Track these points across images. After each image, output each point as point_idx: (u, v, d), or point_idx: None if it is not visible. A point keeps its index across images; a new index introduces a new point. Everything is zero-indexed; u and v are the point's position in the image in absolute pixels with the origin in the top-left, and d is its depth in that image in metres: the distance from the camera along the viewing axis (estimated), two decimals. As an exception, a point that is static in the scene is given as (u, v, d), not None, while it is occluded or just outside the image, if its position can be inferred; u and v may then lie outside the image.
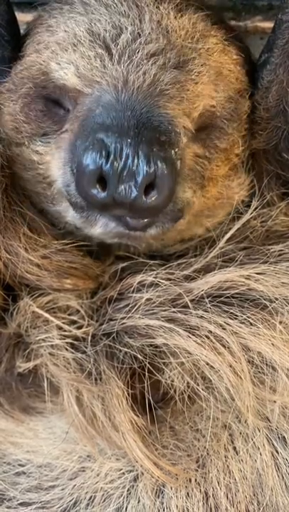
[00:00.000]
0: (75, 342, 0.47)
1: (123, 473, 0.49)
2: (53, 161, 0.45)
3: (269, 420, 0.49)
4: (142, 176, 0.37)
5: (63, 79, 0.41)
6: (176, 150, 0.40)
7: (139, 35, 0.39)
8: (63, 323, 0.48)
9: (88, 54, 0.39)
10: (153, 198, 0.39)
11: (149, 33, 0.39)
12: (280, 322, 0.47)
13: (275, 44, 0.49)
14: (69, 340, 0.47)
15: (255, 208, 0.49)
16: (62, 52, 0.41)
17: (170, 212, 0.44)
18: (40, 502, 0.49)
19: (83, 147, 0.38)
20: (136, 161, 0.37)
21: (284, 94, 0.49)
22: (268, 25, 0.63)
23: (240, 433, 0.50)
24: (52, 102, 0.44)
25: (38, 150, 0.45)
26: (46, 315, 0.48)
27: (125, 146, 0.36)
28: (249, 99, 0.50)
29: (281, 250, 0.48)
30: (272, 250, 0.48)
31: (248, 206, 0.52)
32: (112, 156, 0.37)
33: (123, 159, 0.37)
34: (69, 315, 0.49)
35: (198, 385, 0.48)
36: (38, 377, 0.49)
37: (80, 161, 0.38)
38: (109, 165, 0.37)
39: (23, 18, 0.55)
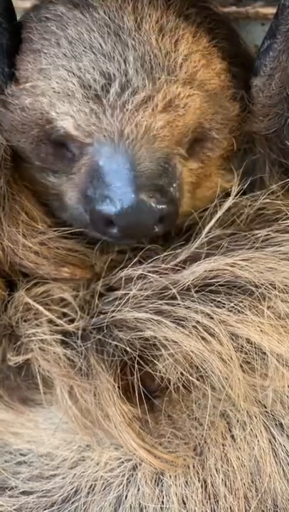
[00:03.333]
0: (65, 338, 0.48)
1: (122, 462, 0.50)
2: (67, 194, 0.48)
3: (265, 406, 0.49)
4: (149, 221, 0.42)
5: (65, 129, 0.44)
6: (176, 183, 0.44)
7: (127, 86, 0.41)
8: (55, 316, 0.49)
9: (83, 109, 0.42)
10: (160, 228, 0.44)
11: (135, 79, 0.41)
12: (268, 307, 0.46)
13: (278, 30, 0.48)
14: (59, 335, 0.48)
15: (238, 193, 0.49)
16: (59, 103, 0.43)
17: None
18: (42, 491, 0.50)
19: (93, 199, 0.43)
20: (141, 209, 0.42)
21: (287, 81, 0.48)
22: (270, 10, 0.63)
23: (238, 421, 0.50)
24: (60, 145, 0.46)
25: (52, 181, 0.49)
26: (38, 306, 0.49)
27: (129, 199, 0.41)
28: (239, 101, 0.50)
29: (267, 235, 0.48)
30: (258, 235, 0.48)
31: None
32: (118, 208, 0.41)
33: (129, 209, 0.41)
34: (61, 307, 0.50)
35: (191, 374, 0.48)
36: (32, 371, 0.50)
37: (92, 210, 0.44)
38: (117, 216, 0.42)
39: (20, 4, 0.55)
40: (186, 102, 0.43)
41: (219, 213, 0.48)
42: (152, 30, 0.43)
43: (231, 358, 0.45)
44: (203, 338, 0.46)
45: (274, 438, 0.50)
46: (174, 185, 0.44)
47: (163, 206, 0.42)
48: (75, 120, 0.42)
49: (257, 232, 0.48)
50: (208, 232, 0.49)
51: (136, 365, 0.47)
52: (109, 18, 0.43)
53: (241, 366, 0.46)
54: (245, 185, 0.51)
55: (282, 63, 0.48)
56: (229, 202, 0.49)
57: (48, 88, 0.43)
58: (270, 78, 0.49)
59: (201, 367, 0.47)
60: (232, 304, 0.47)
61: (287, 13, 0.47)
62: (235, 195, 0.50)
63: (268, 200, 0.51)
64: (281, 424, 0.50)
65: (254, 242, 0.48)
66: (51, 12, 0.46)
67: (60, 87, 0.43)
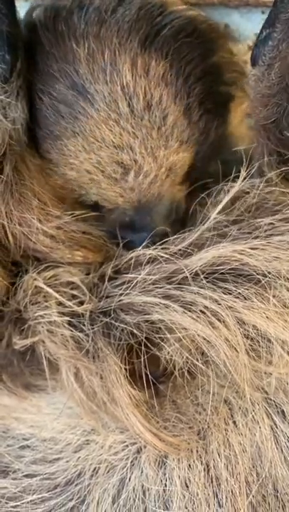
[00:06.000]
0: (73, 319, 0.49)
1: (127, 446, 0.51)
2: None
3: (267, 393, 0.50)
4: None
5: (94, 201, 0.55)
6: (180, 210, 0.55)
7: (139, 172, 0.52)
8: (64, 298, 0.49)
9: (109, 193, 0.53)
10: None
11: (144, 164, 0.52)
12: (274, 296, 0.47)
13: (278, 19, 0.48)
14: (67, 317, 0.49)
15: (244, 178, 0.50)
16: (87, 187, 0.54)
17: None
18: (45, 474, 0.50)
19: (123, 237, 0.54)
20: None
21: (287, 70, 0.49)
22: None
23: (240, 407, 0.51)
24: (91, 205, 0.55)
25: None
26: (47, 289, 0.49)
27: (149, 238, 0.53)
28: (215, 129, 0.56)
29: (272, 224, 0.49)
30: (262, 223, 0.49)
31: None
32: (144, 244, 0.53)
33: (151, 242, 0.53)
34: (71, 290, 0.50)
35: (196, 360, 0.49)
36: (38, 355, 0.51)
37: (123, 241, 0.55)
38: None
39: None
40: (181, 164, 0.53)
41: (226, 199, 0.49)
42: (143, 111, 0.51)
43: (238, 343, 0.46)
44: (210, 323, 0.47)
45: (275, 425, 0.51)
46: (179, 212, 0.55)
47: (175, 228, 0.54)
48: (102, 197, 0.54)
49: (261, 220, 0.49)
50: (214, 218, 0.50)
51: (143, 348, 0.48)
52: (107, 107, 0.51)
53: (247, 352, 0.47)
54: (252, 171, 0.52)
55: (282, 52, 0.48)
56: (236, 188, 0.50)
57: (77, 178, 0.54)
58: (269, 68, 0.49)
59: (208, 351, 0.47)
60: (239, 291, 0.47)
61: (287, 2, 0.47)
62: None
63: (270, 189, 0.52)
64: (283, 412, 0.51)
65: (260, 231, 0.49)
66: (60, 95, 0.52)
67: (87, 178, 0.53)
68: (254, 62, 0.50)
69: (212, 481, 0.50)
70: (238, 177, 0.52)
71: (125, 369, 0.48)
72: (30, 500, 0.50)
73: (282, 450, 0.50)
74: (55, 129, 0.52)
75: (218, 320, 0.47)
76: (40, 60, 0.53)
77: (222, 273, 0.48)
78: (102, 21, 0.51)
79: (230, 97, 0.57)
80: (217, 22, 0.61)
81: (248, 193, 0.52)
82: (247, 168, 0.51)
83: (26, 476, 0.51)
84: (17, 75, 0.50)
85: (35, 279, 0.50)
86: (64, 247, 0.51)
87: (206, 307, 0.47)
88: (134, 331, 0.48)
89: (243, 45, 0.63)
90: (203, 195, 0.53)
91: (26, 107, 0.52)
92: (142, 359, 0.48)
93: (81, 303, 0.49)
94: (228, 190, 0.51)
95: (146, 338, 0.49)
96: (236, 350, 0.46)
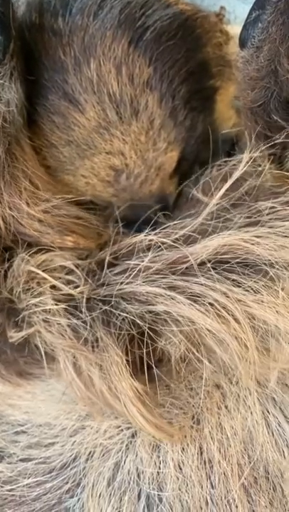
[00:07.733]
0: (70, 307, 0.46)
1: (122, 430, 0.51)
2: None
3: (266, 387, 0.51)
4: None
5: (91, 200, 0.57)
6: (172, 199, 0.57)
7: (130, 175, 0.54)
8: (58, 282, 0.47)
9: (104, 194, 0.56)
10: None
11: (134, 168, 0.54)
12: (282, 289, 0.47)
13: (268, 1, 0.46)
14: (63, 305, 0.46)
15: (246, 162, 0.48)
16: (83, 189, 0.56)
17: None
18: (41, 458, 0.50)
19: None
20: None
21: (276, 53, 0.47)
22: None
23: (232, 392, 0.51)
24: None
25: None
26: (41, 273, 0.47)
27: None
28: (201, 123, 0.56)
29: (273, 207, 0.47)
30: (263, 207, 0.47)
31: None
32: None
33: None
34: (65, 274, 0.48)
35: (197, 351, 0.49)
36: (33, 346, 0.48)
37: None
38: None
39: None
40: (169, 163, 0.55)
41: (227, 185, 0.48)
42: (131, 117, 0.53)
43: (248, 339, 0.46)
44: (219, 317, 0.46)
45: (267, 410, 0.52)
46: (170, 201, 0.57)
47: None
48: (98, 199, 0.56)
49: (262, 203, 0.48)
50: (216, 204, 0.48)
51: (145, 339, 0.47)
52: (97, 116, 0.52)
53: (257, 348, 0.46)
54: (256, 154, 0.50)
55: (271, 35, 0.47)
56: (237, 174, 0.48)
57: (74, 182, 0.56)
58: (258, 50, 0.48)
59: (215, 346, 0.47)
60: (248, 284, 0.46)
61: (277, -16, 0.45)
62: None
63: (269, 172, 0.51)
64: (274, 398, 0.52)
65: (261, 216, 0.48)
66: (53, 106, 0.53)
67: (82, 182, 0.55)
68: (243, 44, 0.49)
69: (205, 464, 0.51)
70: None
71: (127, 360, 0.47)
72: (26, 484, 0.49)
73: (273, 434, 0.52)
74: (51, 139, 0.54)
75: (228, 314, 0.46)
76: (31, 69, 0.53)
77: (228, 263, 0.47)
78: (85, 27, 0.51)
79: (216, 89, 0.58)
80: (208, 10, 0.60)
81: (245, 176, 0.50)
82: (235, 151, 0.51)
83: (22, 460, 0.50)
84: (10, 56, 0.49)
85: (26, 263, 0.48)
86: (53, 231, 0.50)
87: (215, 300, 0.46)
88: (137, 321, 0.46)
89: (239, 27, 0.60)
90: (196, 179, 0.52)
91: (21, 88, 0.50)
92: (145, 350, 0.46)
93: (76, 288, 0.47)
94: (221, 172, 0.50)
95: (149, 327, 0.47)
96: (246, 347, 0.46)
